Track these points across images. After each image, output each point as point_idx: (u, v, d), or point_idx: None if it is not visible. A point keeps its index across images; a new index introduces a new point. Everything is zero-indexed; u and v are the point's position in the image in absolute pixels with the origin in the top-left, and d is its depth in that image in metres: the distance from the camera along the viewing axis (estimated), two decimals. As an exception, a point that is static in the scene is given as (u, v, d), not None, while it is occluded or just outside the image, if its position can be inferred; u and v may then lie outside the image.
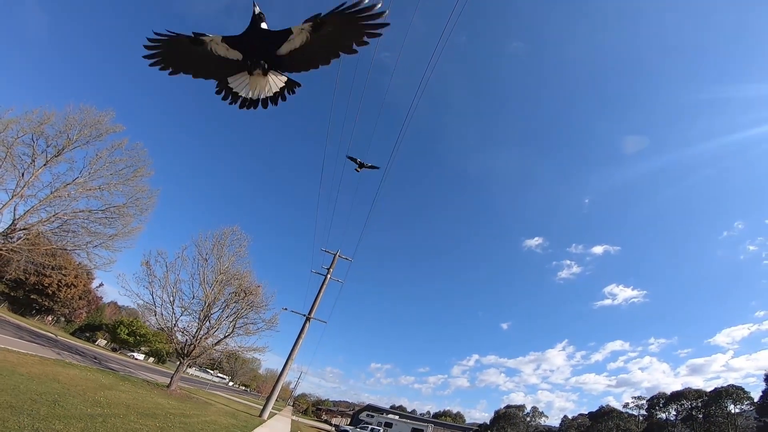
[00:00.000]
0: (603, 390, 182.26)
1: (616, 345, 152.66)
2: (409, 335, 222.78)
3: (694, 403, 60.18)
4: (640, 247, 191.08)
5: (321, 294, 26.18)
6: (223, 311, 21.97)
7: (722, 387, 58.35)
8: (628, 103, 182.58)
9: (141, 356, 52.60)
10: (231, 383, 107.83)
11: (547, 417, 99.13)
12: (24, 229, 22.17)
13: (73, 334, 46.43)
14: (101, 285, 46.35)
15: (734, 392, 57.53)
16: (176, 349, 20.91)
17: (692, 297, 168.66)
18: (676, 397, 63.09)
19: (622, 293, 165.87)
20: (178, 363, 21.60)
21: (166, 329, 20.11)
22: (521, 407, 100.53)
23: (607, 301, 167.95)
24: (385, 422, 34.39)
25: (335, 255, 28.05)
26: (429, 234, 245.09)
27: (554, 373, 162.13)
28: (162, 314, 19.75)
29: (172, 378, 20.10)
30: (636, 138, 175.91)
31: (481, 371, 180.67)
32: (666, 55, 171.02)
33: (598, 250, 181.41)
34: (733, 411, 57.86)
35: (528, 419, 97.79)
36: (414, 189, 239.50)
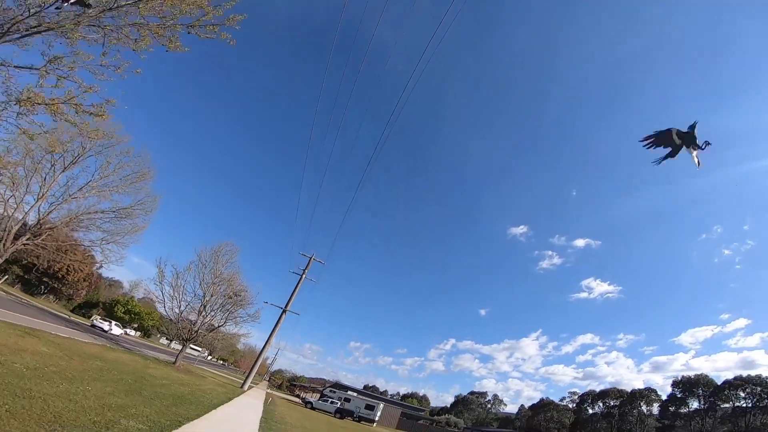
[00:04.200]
0: (570, 382, 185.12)
1: (587, 338, 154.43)
2: (389, 316, 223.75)
3: (615, 402, 69.87)
4: (620, 243, 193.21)
5: (296, 291, 32.46)
6: (217, 307, 28.28)
7: (637, 389, 67.90)
8: (622, 100, 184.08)
9: (133, 332, 58.48)
10: (210, 357, 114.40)
11: (506, 405, 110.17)
12: (50, 228, 27.58)
13: (72, 311, 51.83)
14: (101, 267, 51.42)
15: (647, 394, 66.94)
16: (180, 335, 27.16)
17: (664, 295, 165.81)
18: (602, 395, 72.64)
19: (599, 287, 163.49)
20: (181, 346, 27.86)
21: (173, 319, 26.29)
22: (483, 394, 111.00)
23: (584, 294, 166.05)
24: (344, 397, 41.97)
25: (310, 258, 34.08)
26: (413, 218, 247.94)
27: (526, 362, 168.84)
28: (171, 308, 25.92)
29: (177, 357, 26.40)
30: (627, 136, 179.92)
31: (457, 356, 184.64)
32: (667, 62, 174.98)
33: (580, 243, 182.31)
34: (645, 411, 67.50)
35: (489, 406, 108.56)
36: (396, 172, 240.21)
